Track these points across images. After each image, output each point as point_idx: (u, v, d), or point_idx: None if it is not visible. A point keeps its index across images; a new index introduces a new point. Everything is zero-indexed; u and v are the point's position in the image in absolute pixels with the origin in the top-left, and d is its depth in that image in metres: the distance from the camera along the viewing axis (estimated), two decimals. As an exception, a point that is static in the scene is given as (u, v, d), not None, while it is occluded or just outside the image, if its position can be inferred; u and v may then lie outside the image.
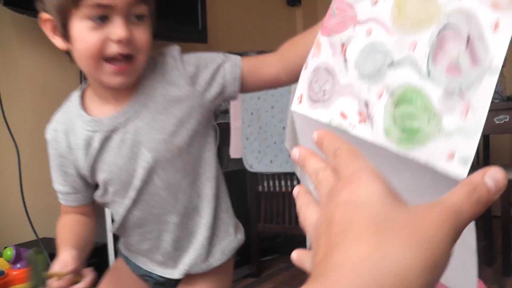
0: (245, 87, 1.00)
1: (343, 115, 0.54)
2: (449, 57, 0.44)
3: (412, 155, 0.45)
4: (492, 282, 2.34)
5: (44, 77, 2.09)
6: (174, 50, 0.98)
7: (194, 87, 0.96)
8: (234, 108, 2.54)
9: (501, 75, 2.27)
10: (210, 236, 1.05)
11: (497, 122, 2.05)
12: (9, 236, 1.88)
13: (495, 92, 2.14)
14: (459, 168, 0.41)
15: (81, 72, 2.16)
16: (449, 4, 0.46)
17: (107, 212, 1.91)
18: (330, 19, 0.59)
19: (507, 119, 2.05)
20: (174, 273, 1.05)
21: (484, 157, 3.00)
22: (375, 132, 0.49)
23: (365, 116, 0.51)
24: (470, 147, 0.41)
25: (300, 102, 0.61)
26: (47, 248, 1.71)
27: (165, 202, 1.00)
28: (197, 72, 0.96)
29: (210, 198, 1.03)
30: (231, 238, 1.09)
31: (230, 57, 0.99)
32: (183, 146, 0.96)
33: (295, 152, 0.43)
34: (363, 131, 0.51)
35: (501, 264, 2.46)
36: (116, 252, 1.56)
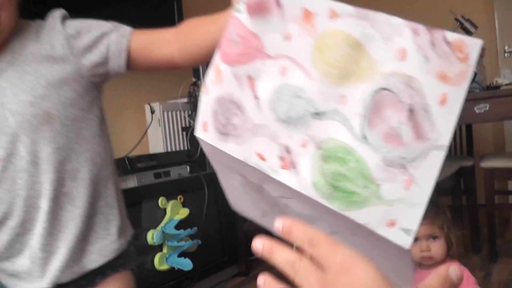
0: (133, 64, 0.90)
1: (261, 157, 0.49)
2: (387, 124, 0.41)
3: (347, 214, 0.43)
4: (479, 269, 2.37)
5: None
6: (57, 11, 0.89)
7: (71, 50, 0.86)
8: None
9: (480, 64, 2.30)
10: (85, 231, 0.90)
11: (477, 112, 2.08)
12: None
13: (475, 82, 2.17)
14: (402, 238, 0.40)
15: None
16: (386, 63, 0.41)
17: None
18: (230, 45, 0.52)
19: (487, 108, 2.07)
20: (41, 283, 0.89)
21: (467, 147, 3.04)
22: (302, 182, 0.45)
23: (288, 163, 0.47)
24: (413, 218, 0.40)
25: (205, 130, 0.55)
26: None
27: (34, 182, 0.86)
28: (76, 35, 0.87)
29: (88, 184, 0.90)
30: (112, 238, 0.94)
31: (120, 28, 0.90)
32: (54, 113, 0.85)
33: (258, 245, 0.41)
34: (287, 179, 0.47)
35: (487, 252, 2.49)
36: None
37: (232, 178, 0.59)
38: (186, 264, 2.02)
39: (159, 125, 2.56)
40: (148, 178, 2.17)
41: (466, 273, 1.49)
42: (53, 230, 0.88)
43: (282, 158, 0.47)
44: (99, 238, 0.92)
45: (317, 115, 0.44)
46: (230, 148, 0.52)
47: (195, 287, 2.00)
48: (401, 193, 0.40)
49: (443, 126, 0.39)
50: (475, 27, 2.40)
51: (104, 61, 0.88)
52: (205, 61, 0.83)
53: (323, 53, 0.44)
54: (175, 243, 2.06)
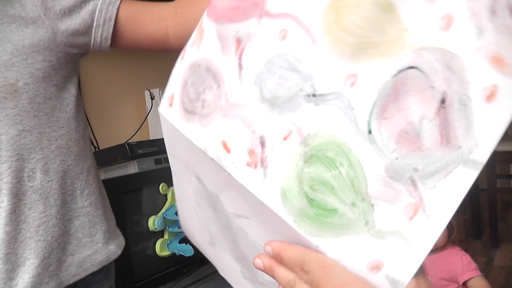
0: (119, 38, 0.76)
1: (225, 147, 0.37)
2: (405, 118, 0.30)
3: (315, 241, 0.32)
4: (481, 254, 2.37)
5: None
6: None
7: (45, 11, 0.71)
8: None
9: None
10: (63, 237, 0.73)
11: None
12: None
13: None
14: None
15: None
16: (423, 34, 0.30)
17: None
18: None
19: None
20: None
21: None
22: (266, 188, 0.34)
23: (257, 160, 0.35)
24: (407, 266, 0.29)
25: (170, 105, 0.44)
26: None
27: None
28: None
29: (63, 178, 0.74)
30: (98, 247, 0.77)
31: None
32: (20, 85, 0.69)
33: (258, 262, 0.38)
34: (248, 180, 0.35)
35: (489, 237, 2.49)
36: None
37: (187, 182, 0.48)
38: (187, 250, 2.02)
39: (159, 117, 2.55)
40: (149, 164, 2.17)
41: (467, 258, 1.49)
42: (18, 235, 0.69)
43: (251, 152, 0.36)
44: (81, 247, 0.75)
45: (313, 97, 0.33)
46: (191, 130, 0.40)
47: (196, 273, 2.00)
48: (400, 223, 0.29)
49: (485, 132, 0.28)
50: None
51: (86, 30, 0.74)
52: None
53: (340, 14, 0.32)
54: (176, 229, 2.07)
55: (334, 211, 0.31)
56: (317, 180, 0.32)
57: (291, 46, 0.35)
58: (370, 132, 0.30)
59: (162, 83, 2.70)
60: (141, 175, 2.04)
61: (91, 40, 0.75)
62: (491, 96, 0.28)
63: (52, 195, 0.72)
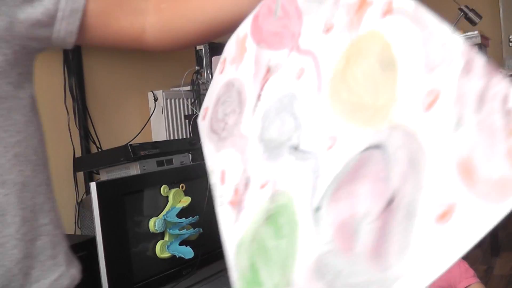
0: (87, 33, 0.65)
1: (223, 177, 0.37)
2: (351, 207, 0.26)
3: None
4: (481, 262, 2.37)
5: None
6: None
7: None
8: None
9: (484, 54, 2.28)
10: (22, 259, 0.60)
11: None
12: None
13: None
14: None
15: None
16: (405, 111, 0.26)
17: (95, 202, 1.90)
18: (268, 17, 0.41)
19: None
20: None
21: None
22: (232, 234, 0.34)
23: (238, 200, 0.35)
24: None
25: (204, 117, 0.45)
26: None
27: None
28: None
29: (19, 190, 0.61)
30: (62, 270, 0.65)
31: None
32: None
33: None
34: (224, 219, 0.36)
35: (489, 245, 2.49)
36: (107, 245, 1.56)
37: None
38: (187, 252, 2.02)
39: (162, 113, 2.55)
40: (151, 165, 2.17)
41: (464, 265, 1.50)
42: None
43: (236, 191, 0.36)
44: (46, 271, 0.63)
45: (295, 151, 0.32)
46: (208, 150, 0.42)
47: (195, 275, 2.00)
48: None
49: (423, 259, 0.21)
50: (480, 17, 2.38)
51: (49, 21, 0.62)
52: (189, 46, 0.66)
53: (348, 63, 0.31)
54: (176, 231, 2.07)
55: (260, 285, 0.28)
56: (262, 244, 0.30)
57: (301, 88, 0.34)
58: (318, 209, 0.27)
59: (165, 85, 2.71)
60: (143, 177, 2.04)
61: (54, 34, 0.64)
62: (444, 216, 0.22)
63: (10, 212, 0.60)
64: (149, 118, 2.56)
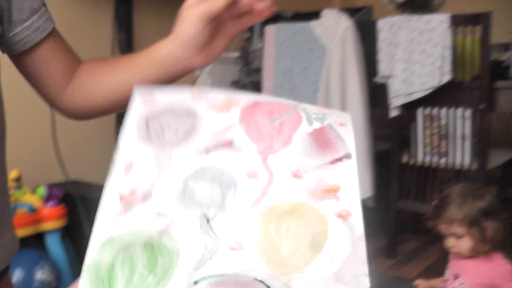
0: (28, 58, 0.62)
1: (128, 169, 0.37)
2: None
3: None
4: None
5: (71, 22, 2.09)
6: None
7: None
8: (267, 67, 2.51)
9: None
10: None
11: None
12: (40, 176, 1.93)
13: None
14: None
15: (115, 16, 2.16)
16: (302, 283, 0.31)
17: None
18: (267, 116, 0.41)
19: None
20: None
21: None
22: (111, 225, 0.35)
23: (129, 201, 0.36)
24: None
25: (151, 101, 0.44)
26: (76, 191, 1.76)
27: None
28: None
29: None
30: (13, 233, 0.65)
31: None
32: None
33: None
34: (109, 204, 0.36)
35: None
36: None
37: None
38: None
39: (209, 77, 2.56)
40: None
41: (511, 267, 1.44)
42: None
43: (133, 192, 0.36)
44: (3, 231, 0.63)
45: (205, 221, 0.34)
46: (131, 134, 0.40)
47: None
48: None
49: None
50: None
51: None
52: (104, 114, 0.70)
53: (292, 214, 0.35)
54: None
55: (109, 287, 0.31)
56: (132, 263, 0.32)
57: (244, 186, 0.36)
58: (196, 283, 0.30)
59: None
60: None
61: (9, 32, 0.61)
62: None
63: None
64: (195, 80, 2.57)
